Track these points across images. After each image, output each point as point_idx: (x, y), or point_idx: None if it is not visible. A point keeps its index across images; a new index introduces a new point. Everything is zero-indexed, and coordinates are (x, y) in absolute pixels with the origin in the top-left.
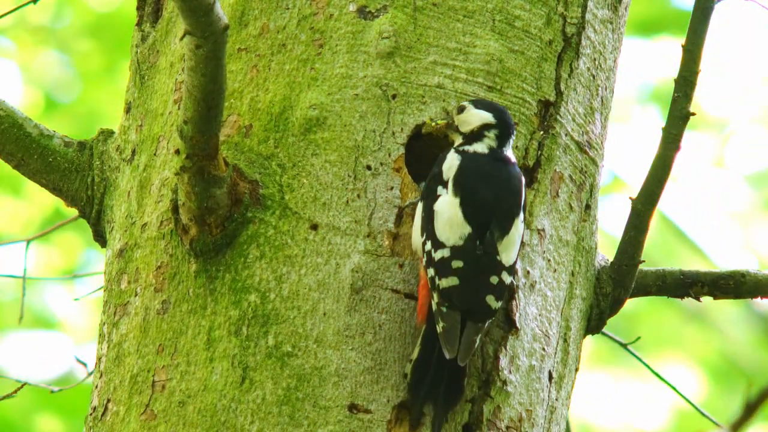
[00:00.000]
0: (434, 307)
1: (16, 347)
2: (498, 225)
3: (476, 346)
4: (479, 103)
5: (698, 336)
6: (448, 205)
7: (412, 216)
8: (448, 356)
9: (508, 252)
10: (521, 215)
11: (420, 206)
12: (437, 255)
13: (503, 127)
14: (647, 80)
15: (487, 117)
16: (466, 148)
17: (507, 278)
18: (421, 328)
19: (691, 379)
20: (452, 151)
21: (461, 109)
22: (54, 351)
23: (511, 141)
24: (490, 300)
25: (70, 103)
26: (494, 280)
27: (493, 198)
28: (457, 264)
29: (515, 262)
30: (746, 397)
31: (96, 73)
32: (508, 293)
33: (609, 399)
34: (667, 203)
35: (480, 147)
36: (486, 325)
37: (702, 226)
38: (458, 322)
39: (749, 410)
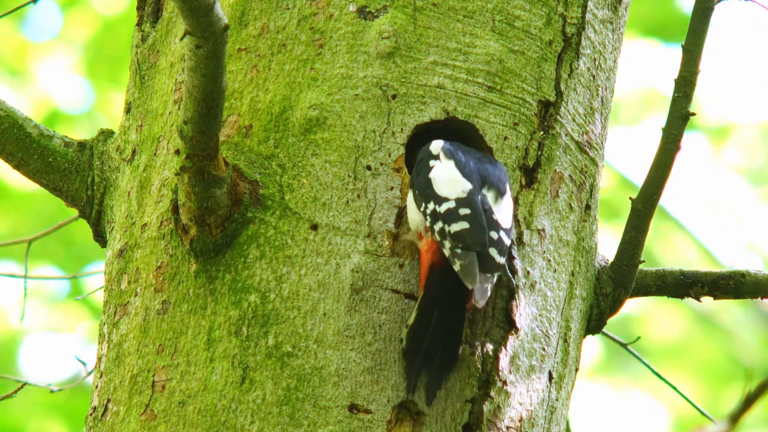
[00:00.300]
0: (448, 252)
1: (23, 350)
2: (492, 189)
3: (489, 293)
4: None
5: (705, 340)
6: (444, 170)
7: None
8: (470, 287)
9: (504, 216)
10: (509, 193)
11: (410, 195)
12: (443, 208)
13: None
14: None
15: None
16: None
17: (506, 239)
18: (419, 294)
19: (696, 383)
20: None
21: None
22: (60, 353)
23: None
24: (494, 253)
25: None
26: (494, 235)
27: (484, 168)
28: (464, 211)
29: (511, 228)
30: (746, 389)
31: (103, 80)
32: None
33: (610, 407)
34: (670, 202)
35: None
36: (495, 277)
37: (705, 225)
38: (475, 261)
39: (748, 403)
